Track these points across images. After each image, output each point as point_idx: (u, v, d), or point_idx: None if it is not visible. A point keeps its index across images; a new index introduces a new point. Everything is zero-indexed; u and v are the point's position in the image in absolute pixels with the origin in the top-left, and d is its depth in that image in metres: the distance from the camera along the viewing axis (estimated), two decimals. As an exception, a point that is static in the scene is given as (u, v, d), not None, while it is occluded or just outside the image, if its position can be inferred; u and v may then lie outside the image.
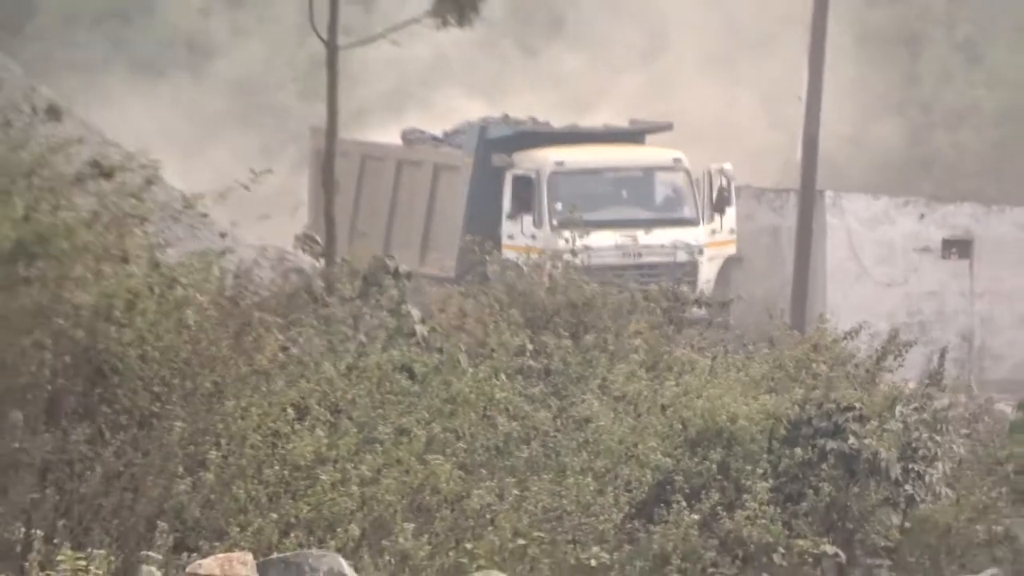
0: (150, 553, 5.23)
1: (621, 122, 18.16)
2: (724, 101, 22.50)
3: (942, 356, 11.40)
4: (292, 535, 5.58)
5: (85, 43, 29.93)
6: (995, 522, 7.71)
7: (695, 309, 11.91)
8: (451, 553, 5.51)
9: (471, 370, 6.72)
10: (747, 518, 6.89)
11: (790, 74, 18.23)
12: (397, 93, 22.93)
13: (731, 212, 16.90)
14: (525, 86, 22.35)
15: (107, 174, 6.74)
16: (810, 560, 7.10)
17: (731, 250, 17.07)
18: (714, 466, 7.23)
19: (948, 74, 25.53)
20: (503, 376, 6.83)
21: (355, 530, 5.57)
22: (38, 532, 5.23)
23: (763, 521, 6.93)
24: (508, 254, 14.44)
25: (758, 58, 22.28)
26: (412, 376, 6.79)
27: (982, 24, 26.27)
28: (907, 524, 7.79)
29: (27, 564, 4.55)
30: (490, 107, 19.32)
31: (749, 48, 23.08)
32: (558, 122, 17.99)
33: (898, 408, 8.04)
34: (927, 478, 7.69)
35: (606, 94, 22.44)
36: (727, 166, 17.03)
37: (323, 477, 5.68)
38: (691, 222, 16.70)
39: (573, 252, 10.89)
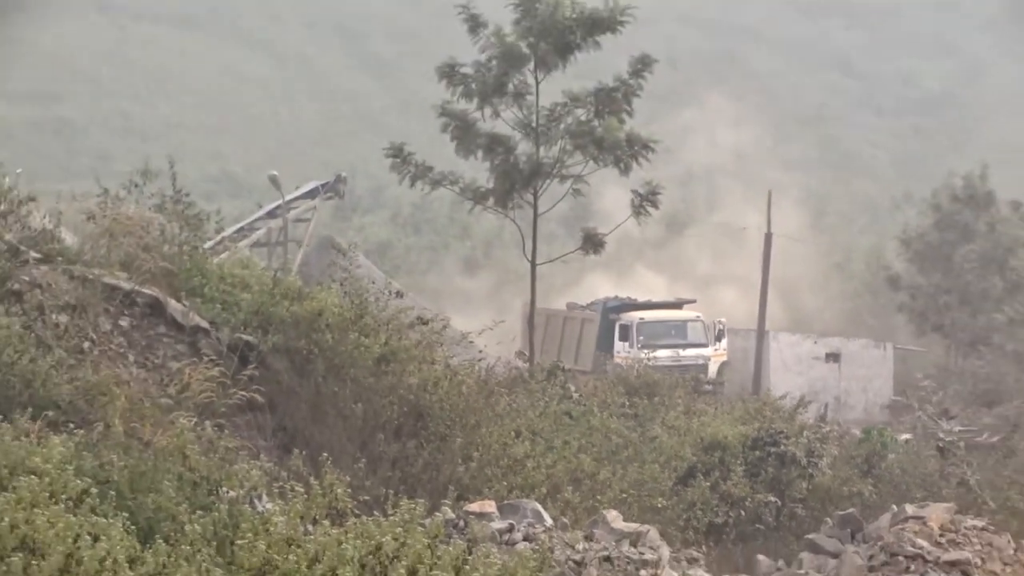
0: (444, 502, 10.50)
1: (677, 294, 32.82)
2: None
3: (825, 408, 22.77)
4: (513, 492, 10.89)
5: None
6: (852, 486, 13.35)
7: (707, 385, 23.56)
8: (590, 502, 10.60)
9: (599, 414, 12.50)
10: (733, 484, 12.31)
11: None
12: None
13: (724, 341, 29.24)
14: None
15: (424, 322, 12.99)
16: (763, 504, 12.00)
17: (725, 358, 29.21)
18: (716, 459, 12.76)
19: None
20: (614, 417, 12.48)
21: (543, 490, 10.81)
22: (391, 492, 10.79)
23: (740, 486, 12.24)
24: (618, 361, 24.96)
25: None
26: (571, 416, 12.52)
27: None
28: (809, 487, 13.14)
29: (388, 508, 7.57)
30: (618, 281, 33.59)
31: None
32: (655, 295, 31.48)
33: (805, 432, 14.43)
34: (819, 464, 13.39)
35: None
36: (722, 319, 29.85)
37: (528, 464, 11.07)
38: (704, 345, 28.74)
39: (648, 360, 19.95)
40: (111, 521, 6.02)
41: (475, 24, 15.89)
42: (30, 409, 8.17)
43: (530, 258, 17.25)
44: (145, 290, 11.19)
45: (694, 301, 31.66)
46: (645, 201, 16.27)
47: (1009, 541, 11.34)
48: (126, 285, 11.03)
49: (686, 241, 42.65)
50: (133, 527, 6.32)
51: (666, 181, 18.02)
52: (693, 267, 40.14)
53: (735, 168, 47.95)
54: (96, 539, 5.66)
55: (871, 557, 11.03)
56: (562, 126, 15.87)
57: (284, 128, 70.17)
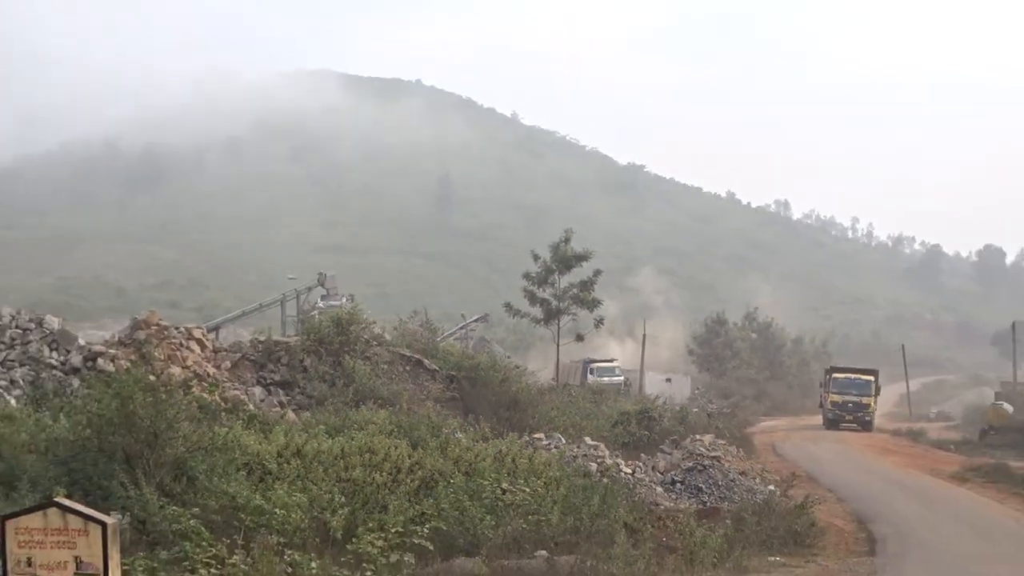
0: (525, 435, 29.37)
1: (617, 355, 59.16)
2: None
3: (665, 400, 37.76)
4: (550, 430, 29.36)
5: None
6: (675, 428, 30.61)
7: (622, 391, 43.58)
8: (578, 433, 29.24)
9: (582, 401, 31.40)
10: (632, 428, 29.23)
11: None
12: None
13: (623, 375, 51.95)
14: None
15: (517, 367, 31.89)
16: (644, 434, 30.01)
17: (624, 380, 50.12)
18: (625, 418, 29.98)
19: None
20: (587, 403, 31.30)
21: (561, 429, 29.03)
22: (504, 430, 29.74)
23: (634, 428, 28.88)
24: (590, 382, 45.10)
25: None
26: (570, 401, 31.62)
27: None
28: (659, 428, 29.81)
29: (504, 437, 28.70)
30: (593, 346, 54.86)
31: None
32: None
33: (658, 409, 31.80)
34: (663, 420, 30.68)
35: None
36: (618, 363, 54.66)
37: (556, 419, 29.56)
38: (620, 375, 51.53)
39: (599, 382, 42.17)
40: (400, 441, 18.17)
41: (536, 258, 36.23)
42: (371, 400, 26.66)
43: (556, 341, 37.16)
44: (415, 355, 30.14)
45: (615, 359, 56.01)
46: (600, 323, 36.54)
47: (739, 448, 29.64)
48: (409, 353, 29.96)
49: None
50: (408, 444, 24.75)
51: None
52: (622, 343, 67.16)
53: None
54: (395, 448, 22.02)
55: (684, 456, 29.29)
56: (568, 295, 35.19)
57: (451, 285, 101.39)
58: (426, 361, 30.31)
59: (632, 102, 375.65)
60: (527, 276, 35.68)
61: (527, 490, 12.30)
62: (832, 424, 41.92)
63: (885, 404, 50.10)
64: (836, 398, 41.98)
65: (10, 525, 6.84)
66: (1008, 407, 37.68)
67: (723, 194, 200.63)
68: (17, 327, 17.75)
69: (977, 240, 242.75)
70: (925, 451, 33.68)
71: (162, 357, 17.43)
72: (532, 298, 35.56)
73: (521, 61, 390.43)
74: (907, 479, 25.34)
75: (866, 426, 41.23)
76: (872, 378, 43.11)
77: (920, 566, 13.47)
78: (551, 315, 35.05)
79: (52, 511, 6.83)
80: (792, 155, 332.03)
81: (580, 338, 36.63)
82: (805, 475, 24.08)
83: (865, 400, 41.81)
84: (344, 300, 37.44)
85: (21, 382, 15.91)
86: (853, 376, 43.53)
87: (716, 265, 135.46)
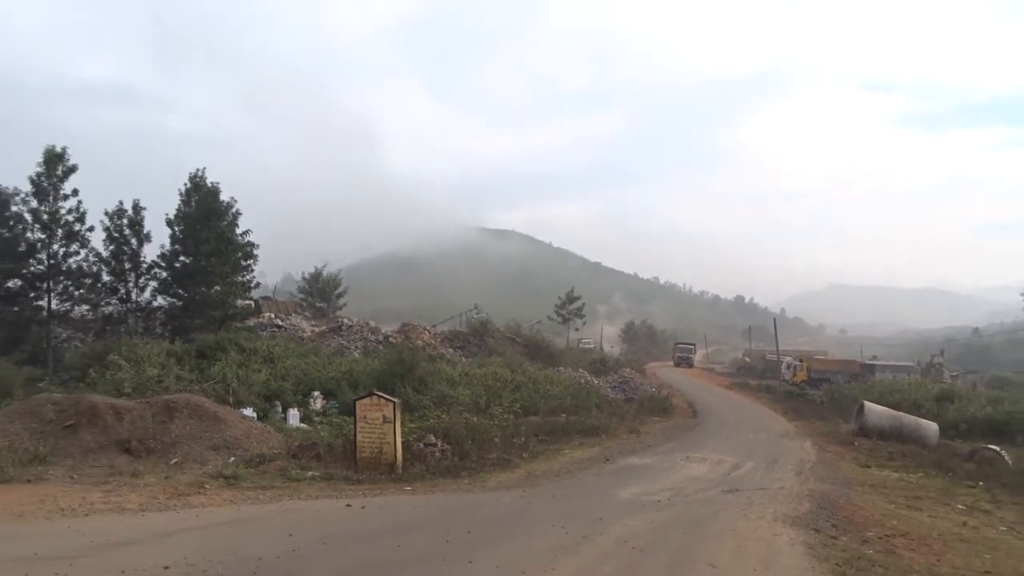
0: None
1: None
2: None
3: None
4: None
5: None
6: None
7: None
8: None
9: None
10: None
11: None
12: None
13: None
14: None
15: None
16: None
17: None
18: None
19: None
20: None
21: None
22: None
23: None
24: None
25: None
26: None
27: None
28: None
29: None
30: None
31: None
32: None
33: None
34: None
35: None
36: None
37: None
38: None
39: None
40: (505, 370, 41.99)
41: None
42: (494, 354, 44.44)
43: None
44: (512, 336, 47.91)
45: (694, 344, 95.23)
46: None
47: (640, 373, 46.90)
48: (509, 335, 47.85)
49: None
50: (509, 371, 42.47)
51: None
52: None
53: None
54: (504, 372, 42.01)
55: (619, 376, 46.01)
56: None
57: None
58: (516, 338, 48.30)
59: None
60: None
61: (557, 389, 29.83)
62: (677, 364, 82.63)
63: (698, 357, 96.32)
64: (678, 354, 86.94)
65: (358, 403, 17.65)
66: (747, 359, 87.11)
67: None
68: (357, 326, 37.53)
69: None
70: (714, 377, 69.02)
71: (414, 337, 36.61)
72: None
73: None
74: (707, 387, 54.80)
75: (691, 365, 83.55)
76: (693, 345, 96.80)
77: (711, 417, 32.63)
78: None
79: (373, 397, 19.48)
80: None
81: None
82: (666, 384, 50.94)
83: (690, 355, 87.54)
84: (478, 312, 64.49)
85: (359, 349, 35.08)
86: (684, 344, 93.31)
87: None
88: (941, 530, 13.16)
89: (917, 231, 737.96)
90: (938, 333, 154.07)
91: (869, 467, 22.00)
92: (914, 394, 39.28)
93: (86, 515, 11.66)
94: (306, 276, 68.83)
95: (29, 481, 14.17)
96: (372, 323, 43.36)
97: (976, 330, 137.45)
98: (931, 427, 29.26)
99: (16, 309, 31.09)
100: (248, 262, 34.22)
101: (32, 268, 31.13)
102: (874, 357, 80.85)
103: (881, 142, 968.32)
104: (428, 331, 44.78)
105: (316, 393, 26.38)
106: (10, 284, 31.11)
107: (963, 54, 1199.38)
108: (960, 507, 16.02)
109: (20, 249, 30.95)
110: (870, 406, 30.55)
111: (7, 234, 30.82)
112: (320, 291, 65.87)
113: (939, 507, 15.81)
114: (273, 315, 44.99)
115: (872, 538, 11.80)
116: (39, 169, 30.70)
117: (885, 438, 28.11)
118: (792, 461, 21.89)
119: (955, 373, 69.44)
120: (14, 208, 30.86)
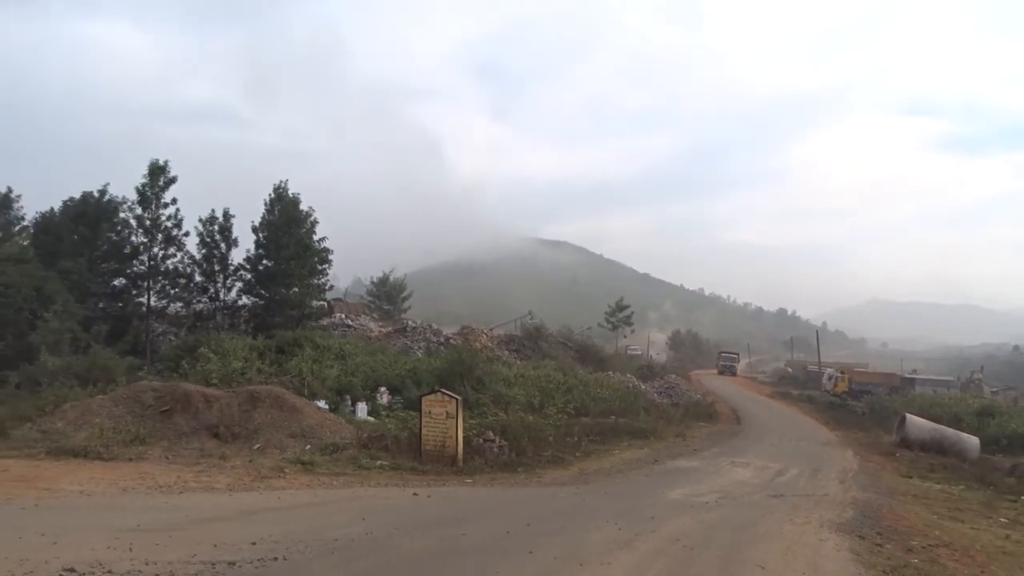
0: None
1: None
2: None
3: None
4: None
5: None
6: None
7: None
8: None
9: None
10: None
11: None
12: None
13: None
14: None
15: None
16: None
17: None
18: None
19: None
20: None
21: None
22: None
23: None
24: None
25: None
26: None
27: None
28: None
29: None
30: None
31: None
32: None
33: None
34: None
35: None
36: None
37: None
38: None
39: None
40: (558, 372, 41.98)
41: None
42: (547, 357, 44.54)
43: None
44: (563, 340, 47.82)
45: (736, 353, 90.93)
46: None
47: (686, 380, 45.77)
48: (560, 340, 47.71)
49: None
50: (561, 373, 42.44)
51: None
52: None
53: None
54: (556, 374, 42.09)
55: (665, 382, 45.16)
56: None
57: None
58: (568, 343, 48.06)
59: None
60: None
61: (606, 392, 29.54)
62: (721, 372, 79.27)
63: (741, 366, 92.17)
64: (722, 363, 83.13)
65: (424, 399, 18.20)
66: (789, 369, 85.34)
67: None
68: (420, 328, 37.84)
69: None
70: (756, 386, 66.76)
71: (472, 339, 36.64)
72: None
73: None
74: (750, 395, 53.45)
75: (734, 373, 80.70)
76: (737, 354, 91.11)
77: (755, 424, 31.91)
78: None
79: (438, 394, 19.88)
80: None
81: None
82: (710, 391, 50.14)
83: (733, 364, 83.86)
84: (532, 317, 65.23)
85: (422, 349, 35.43)
86: (728, 353, 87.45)
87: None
88: (984, 542, 12.64)
89: (959, 249, 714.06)
90: (978, 349, 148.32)
91: (911, 478, 21.28)
92: (954, 408, 37.95)
93: (180, 492, 12.04)
94: (374, 280, 69.82)
95: (131, 460, 14.71)
96: (434, 325, 43.80)
97: (1016, 347, 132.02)
98: (972, 441, 28.17)
99: (120, 305, 32.47)
100: (323, 266, 35.03)
101: (135, 268, 32.50)
102: (914, 371, 78.47)
103: (926, 163, 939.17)
104: (486, 334, 45.20)
105: (383, 389, 26.75)
106: (116, 283, 32.53)
107: (1007, 78, 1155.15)
108: (1003, 520, 15.37)
109: (125, 251, 32.37)
110: (912, 418, 29.58)
111: (115, 238, 32.30)
112: (387, 294, 66.73)
113: (981, 520, 15.19)
114: (344, 316, 45.89)
115: (916, 547, 11.41)
116: (144, 180, 32.03)
117: (926, 450, 27.17)
118: (835, 469, 21.30)
119: (995, 389, 66.87)
120: (122, 215, 32.38)
